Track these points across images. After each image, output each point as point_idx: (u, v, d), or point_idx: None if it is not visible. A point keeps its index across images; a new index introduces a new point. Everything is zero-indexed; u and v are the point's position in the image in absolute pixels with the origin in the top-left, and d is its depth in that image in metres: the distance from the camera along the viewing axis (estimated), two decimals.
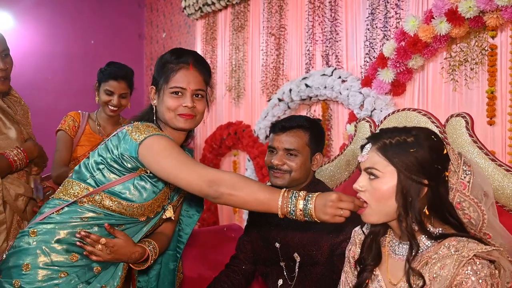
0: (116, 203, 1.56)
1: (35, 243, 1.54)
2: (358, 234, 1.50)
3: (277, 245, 1.84)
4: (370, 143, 1.34)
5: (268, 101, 3.82)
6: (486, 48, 2.46)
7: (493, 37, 2.42)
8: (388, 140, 1.29)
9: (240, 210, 4.22)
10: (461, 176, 1.34)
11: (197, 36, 4.94)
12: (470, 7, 2.35)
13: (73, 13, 5.43)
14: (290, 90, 3.51)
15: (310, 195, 1.35)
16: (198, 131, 4.95)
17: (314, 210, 1.33)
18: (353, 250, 1.50)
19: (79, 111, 2.60)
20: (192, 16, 4.82)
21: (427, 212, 1.27)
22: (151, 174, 1.56)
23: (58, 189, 1.65)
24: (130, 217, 1.59)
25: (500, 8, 2.27)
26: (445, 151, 1.30)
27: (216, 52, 4.65)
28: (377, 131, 1.37)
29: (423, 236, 1.29)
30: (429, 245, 1.28)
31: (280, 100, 3.62)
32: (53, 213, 1.56)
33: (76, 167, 1.64)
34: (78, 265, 1.57)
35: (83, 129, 2.52)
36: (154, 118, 1.65)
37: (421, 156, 1.26)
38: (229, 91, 4.44)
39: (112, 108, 2.51)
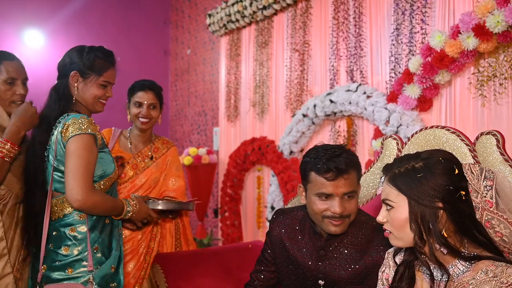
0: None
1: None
2: (391, 257, 1.49)
3: (321, 282, 1.67)
4: (384, 175, 1.38)
5: (293, 116, 3.82)
6: None
7: None
8: (398, 170, 1.32)
9: (264, 225, 4.21)
10: (483, 193, 1.31)
11: (221, 52, 4.99)
12: (498, 22, 2.32)
13: (100, 31, 5.56)
14: (315, 105, 3.51)
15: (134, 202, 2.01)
16: (222, 146, 4.98)
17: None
18: (386, 272, 1.49)
19: (113, 128, 2.61)
20: (216, 33, 4.88)
21: (445, 235, 1.26)
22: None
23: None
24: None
25: None
26: (456, 171, 1.29)
27: (240, 68, 4.69)
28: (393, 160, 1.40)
29: (457, 260, 1.28)
30: (464, 270, 1.26)
31: (304, 115, 3.62)
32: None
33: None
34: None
35: (112, 146, 2.53)
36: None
37: (429, 180, 1.26)
38: (253, 106, 4.46)
39: (142, 120, 2.48)
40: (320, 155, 1.59)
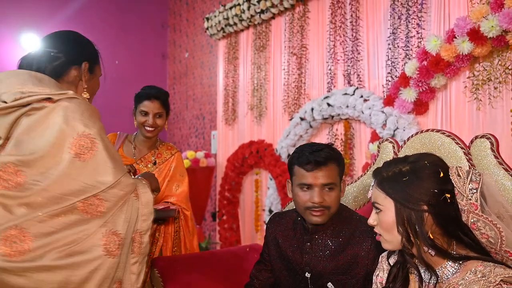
0: None
1: None
2: (385, 260, 1.51)
3: (308, 274, 1.75)
4: (374, 179, 1.40)
5: (290, 120, 3.84)
6: (509, 67, 2.45)
7: None
8: (386, 173, 1.35)
9: (262, 229, 4.22)
10: (469, 196, 1.33)
11: (219, 56, 5.01)
12: (492, 26, 2.34)
13: (98, 34, 5.53)
14: (312, 109, 3.53)
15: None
16: (220, 149, 4.99)
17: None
18: (380, 276, 1.50)
19: (118, 132, 2.61)
20: (214, 36, 4.91)
21: (431, 236, 1.28)
22: None
23: None
24: None
25: None
26: (441, 174, 1.31)
27: (238, 71, 4.71)
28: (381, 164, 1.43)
29: (447, 262, 1.30)
30: (453, 272, 1.29)
31: (302, 119, 3.64)
32: None
33: None
34: None
35: (116, 150, 2.53)
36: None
37: (414, 184, 1.29)
38: (251, 110, 4.48)
39: (148, 128, 2.50)
40: (304, 150, 1.73)
